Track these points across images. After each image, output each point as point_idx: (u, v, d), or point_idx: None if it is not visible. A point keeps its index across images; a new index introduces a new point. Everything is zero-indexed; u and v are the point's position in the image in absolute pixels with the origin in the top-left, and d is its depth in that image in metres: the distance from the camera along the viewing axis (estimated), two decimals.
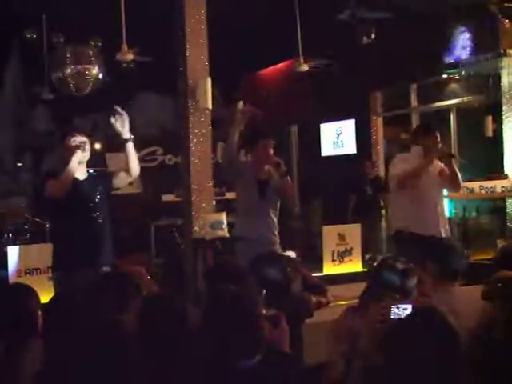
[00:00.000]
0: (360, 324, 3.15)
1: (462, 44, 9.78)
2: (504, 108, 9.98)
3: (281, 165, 5.96)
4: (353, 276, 8.35)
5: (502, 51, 9.48)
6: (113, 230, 5.46)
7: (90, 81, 9.99)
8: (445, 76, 11.19)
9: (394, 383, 2.28)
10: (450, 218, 10.55)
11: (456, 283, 4.08)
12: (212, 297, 2.91)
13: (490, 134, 10.45)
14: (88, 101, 10.86)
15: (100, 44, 10.18)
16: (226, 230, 7.33)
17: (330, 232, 8.95)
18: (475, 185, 9.60)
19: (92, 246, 5.19)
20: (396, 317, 2.78)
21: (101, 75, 10.04)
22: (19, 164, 13.42)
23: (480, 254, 8.89)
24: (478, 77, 10.58)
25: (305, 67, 9.62)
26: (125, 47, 7.99)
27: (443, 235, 6.45)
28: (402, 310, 2.79)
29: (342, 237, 8.94)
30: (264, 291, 3.58)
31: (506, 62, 9.72)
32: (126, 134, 5.49)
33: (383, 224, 11.16)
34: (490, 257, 6.50)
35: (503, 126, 10.00)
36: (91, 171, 5.52)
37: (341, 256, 8.89)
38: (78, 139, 5.25)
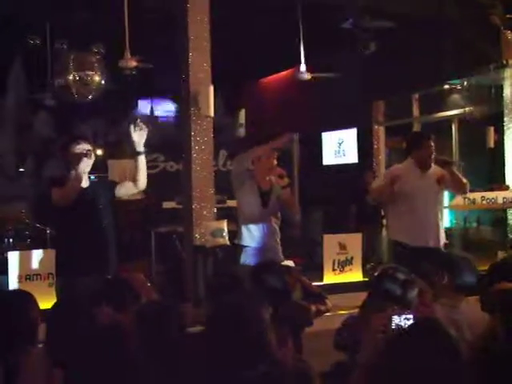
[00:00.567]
0: (360, 334, 3.15)
1: None
2: (506, 119, 9.99)
3: (284, 176, 5.96)
4: (353, 285, 8.33)
5: (504, 62, 9.49)
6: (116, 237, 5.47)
7: (92, 87, 9.98)
8: (447, 86, 11.21)
9: None
10: (450, 229, 10.58)
11: (466, 296, 4.04)
12: (214, 305, 2.90)
13: (491, 144, 10.45)
14: (90, 107, 10.88)
15: (103, 51, 10.18)
16: (226, 237, 7.33)
17: (330, 241, 8.93)
18: (477, 195, 9.59)
19: (95, 252, 5.19)
20: (397, 327, 2.77)
21: (103, 82, 10.04)
22: (20, 169, 13.43)
23: (480, 265, 8.87)
24: (480, 87, 10.59)
25: (307, 76, 9.63)
26: (128, 54, 7.99)
27: (440, 246, 6.47)
28: (404, 320, 2.78)
29: (342, 246, 8.91)
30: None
31: (508, 72, 9.74)
32: (141, 147, 5.46)
33: (384, 234, 11.15)
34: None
35: (505, 137, 10.00)
36: (92, 177, 5.53)
37: (341, 265, 8.87)
38: (83, 147, 5.24)
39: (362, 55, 10.55)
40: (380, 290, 3.49)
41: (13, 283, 7.27)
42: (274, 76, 13.96)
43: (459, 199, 9.44)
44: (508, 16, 9.20)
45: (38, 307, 3.23)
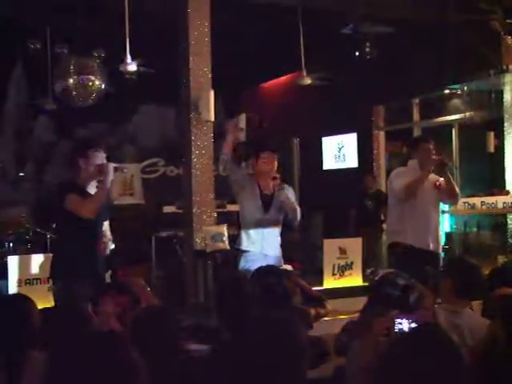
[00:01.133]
0: (361, 338, 3.14)
1: None
2: (506, 124, 10.00)
3: (277, 178, 5.94)
4: (353, 290, 8.33)
5: (504, 67, 9.50)
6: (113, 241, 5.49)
7: (92, 92, 10.00)
8: (447, 91, 11.22)
9: None
10: (451, 233, 10.58)
11: (469, 301, 4.03)
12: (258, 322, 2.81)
13: (491, 149, 10.45)
14: (90, 111, 10.88)
15: (103, 55, 10.20)
16: (226, 242, 7.33)
17: (330, 245, 8.92)
18: (477, 200, 9.60)
19: (95, 256, 5.21)
20: (400, 330, 2.76)
21: (104, 86, 10.06)
22: (21, 174, 13.43)
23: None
24: (480, 93, 10.60)
25: (307, 80, 9.65)
26: (128, 58, 8.00)
27: (439, 250, 6.48)
28: (406, 324, 2.78)
29: (342, 250, 8.91)
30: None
31: (508, 78, 9.74)
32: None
33: (384, 238, 11.15)
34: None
35: (505, 142, 10.01)
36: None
37: (341, 270, 8.86)
38: (102, 155, 5.23)
39: (362, 60, 10.57)
40: (380, 295, 3.49)
41: (13, 287, 7.28)
42: (275, 81, 13.97)
43: (459, 204, 9.44)
44: (508, 21, 9.22)
45: (38, 311, 3.23)
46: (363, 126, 12.24)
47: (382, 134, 12.38)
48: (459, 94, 11.12)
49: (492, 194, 9.82)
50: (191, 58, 7.70)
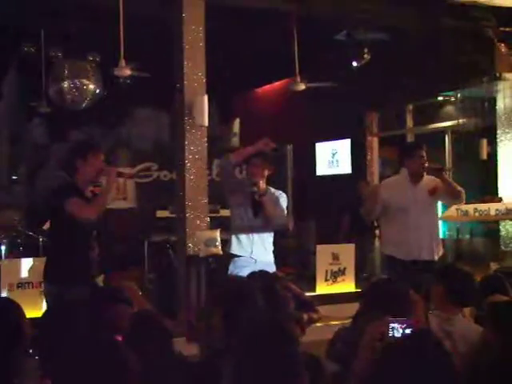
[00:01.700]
0: (353, 344, 3.14)
1: None
2: (499, 131, 10.04)
3: (257, 184, 5.89)
4: (346, 296, 8.34)
5: (497, 75, 9.54)
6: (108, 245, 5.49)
7: (87, 95, 10.00)
8: (440, 98, 11.26)
9: None
10: (443, 240, 10.59)
11: (461, 308, 4.03)
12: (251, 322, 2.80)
13: (484, 156, 10.48)
14: (84, 115, 10.87)
15: (98, 59, 10.20)
16: (219, 247, 7.32)
17: (323, 251, 8.94)
18: (469, 207, 9.62)
19: (88, 261, 5.19)
20: (394, 335, 2.76)
21: (98, 90, 10.05)
22: (14, 177, 13.39)
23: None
24: (473, 100, 10.64)
25: (301, 86, 9.65)
26: (122, 62, 8.00)
27: (435, 258, 6.45)
28: (400, 329, 2.78)
29: (335, 256, 8.93)
30: None
31: (501, 85, 9.78)
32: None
33: (377, 244, 11.15)
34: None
35: (498, 149, 10.04)
36: None
37: (334, 276, 8.88)
38: (101, 157, 5.23)
39: (356, 66, 10.59)
40: (373, 301, 3.50)
41: (4, 291, 7.26)
42: (269, 86, 13.98)
43: (452, 210, 9.47)
44: (501, 29, 9.25)
45: (25, 315, 3.19)
46: (357, 132, 12.26)
47: (375, 140, 12.41)
48: (452, 100, 11.16)
49: (485, 201, 9.85)
50: (185, 63, 7.70)
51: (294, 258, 11.08)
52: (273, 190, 6.14)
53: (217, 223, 8.80)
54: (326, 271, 8.83)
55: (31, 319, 3.28)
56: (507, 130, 9.95)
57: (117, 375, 2.24)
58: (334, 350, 3.58)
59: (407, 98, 11.44)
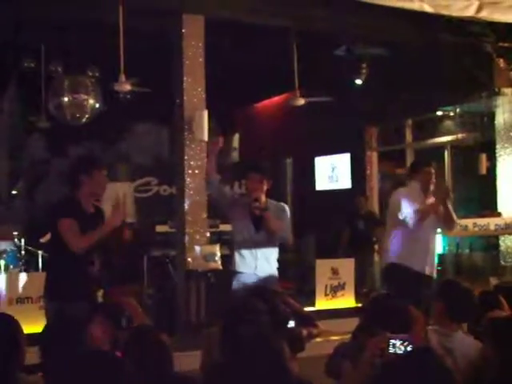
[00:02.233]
0: (353, 359, 3.14)
1: None
2: (498, 146, 10.05)
3: (258, 199, 5.85)
4: (345, 311, 8.32)
5: (496, 90, 9.56)
6: (107, 260, 5.46)
7: (86, 110, 10.02)
8: (440, 113, 11.28)
9: None
10: (443, 254, 10.59)
11: (461, 323, 4.02)
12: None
13: (483, 171, 10.49)
14: (84, 130, 10.89)
15: (98, 74, 10.23)
16: (219, 262, 7.32)
17: (323, 266, 8.93)
18: (469, 222, 9.62)
19: (88, 278, 5.16)
20: (394, 351, 2.76)
21: (98, 105, 10.08)
22: (13, 192, 13.40)
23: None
24: (472, 115, 10.66)
25: (301, 101, 9.67)
26: (122, 78, 8.02)
27: (434, 273, 6.49)
28: (399, 345, 2.77)
29: (335, 271, 8.91)
30: None
31: (500, 100, 9.81)
32: None
33: (376, 259, 11.13)
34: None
35: (497, 164, 10.05)
36: None
37: (333, 290, 8.86)
38: (105, 173, 5.23)
39: (356, 81, 10.62)
40: (373, 317, 3.49)
41: (3, 306, 7.24)
42: (268, 101, 14.02)
43: None
44: (500, 44, 9.28)
45: (23, 332, 3.18)
46: (356, 146, 12.28)
47: (374, 155, 12.43)
48: (452, 115, 11.19)
49: (484, 216, 9.85)
50: (185, 78, 7.73)
51: (294, 272, 11.05)
52: (274, 202, 6.11)
53: (216, 238, 8.81)
54: (326, 286, 8.81)
55: (30, 334, 3.28)
56: (506, 145, 9.96)
57: None
58: (332, 365, 3.58)
59: (406, 113, 11.47)
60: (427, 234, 6.41)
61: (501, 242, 10.01)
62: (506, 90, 9.66)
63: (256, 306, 3.55)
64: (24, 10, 7.93)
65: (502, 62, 9.60)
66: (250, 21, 8.25)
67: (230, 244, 6.47)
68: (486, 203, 10.43)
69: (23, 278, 7.82)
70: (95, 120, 10.32)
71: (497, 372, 2.86)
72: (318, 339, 4.47)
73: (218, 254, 7.38)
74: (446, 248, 10.66)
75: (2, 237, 10.10)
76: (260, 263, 5.89)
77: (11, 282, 7.62)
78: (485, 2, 7.65)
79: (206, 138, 7.66)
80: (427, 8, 7.68)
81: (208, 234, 7.85)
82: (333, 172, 12.92)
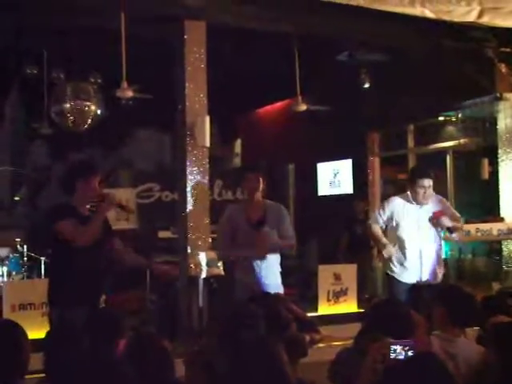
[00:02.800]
0: (355, 365, 3.13)
1: None
2: (500, 151, 10.04)
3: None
4: (348, 316, 8.31)
5: (498, 95, 9.56)
6: (110, 267, 5.46)
7: (88, 117, 10.03)
8: (442, 118, 11.28)
9: None
10: (445, 260, 10.59)
11: (463, 328, 4.02)
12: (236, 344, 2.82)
13: (486, 176, 10.49)
14: (86, 136, 10.91)
15: (100, 80, 10.25)
16: (221, 268, 7.30)
17: (325, 271, 8.92)
18: (471, 227, 9.60)
19: (92, 283, 5.15)
20: (396, 357, 2.75)
21: (100, 111, 10.09)
22: (16, 198, 13.42)
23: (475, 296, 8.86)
24: (474, 120, 10.67)
25: (303, 107, 9.67)
26: (124, 84, 8.03)
27: (438, 280, 6.44)
28: (401, 351, 2.77)
29: (337, 276, 8.91)
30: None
31: (502, 105, 9.80)
32: None
33: (375, 263, 11.11)
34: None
35: (499, 169, 10.04)
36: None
37: (336, 296, 8.85)
38: (98, 179, 5.24)
39: (358, 87, 10.63)
40: (374, 322, 3.49)
41: (6, 313, 7.24)
42: (270, 107, 14.03)
43: None
44: (502, 49, 9.29)
45: (27, 338, 3.18)
46: (358, 152, 12.28)
47: (377, 161, 12.43)
48: (453, 120, 11.19)
49: (487, 221, 9.84)
50: (187, 84, 7.73)
51: (296, 278, 11.05)
52: (272, 203, 6.11)
53: None
54: (328, 291, 8.81)
55: (33, 340, 3.28)
56: (508, 150, 9.96)
57: None
58: (335, 371, 3.57)
59: (408, 118, 11.47)
60: (421, 241, 6.36)
61: (503, 247, 9.99)
62: (508, 95, 9.65)
63: (256, 312, 3.54)
64: (26, 16, 7.94)
65: (503, 68, 9.60)
66: (252, 27, 8.26)
67: None
68: (489, 208, 10.42)
69: (26, 284, 7.82)
70: (97, 126, 10.32)
71: (498, 377, 2.85)
72: (321, 344, 4.47)
73: None
74: (449, 253, 10.64)
75: (5, 243, 10.11)
76: (265, 271, 5.88)
77: (14, 289, 7.62)
78: (486, 8, 7.65)
79: (207, 143, 7.66)
80: (429, 14, 7.69)
81: (210, 240, 7.85)
82: (335, 178, 12.92)
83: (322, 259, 10.90)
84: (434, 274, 6.40)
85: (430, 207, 6.44)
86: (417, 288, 6.31)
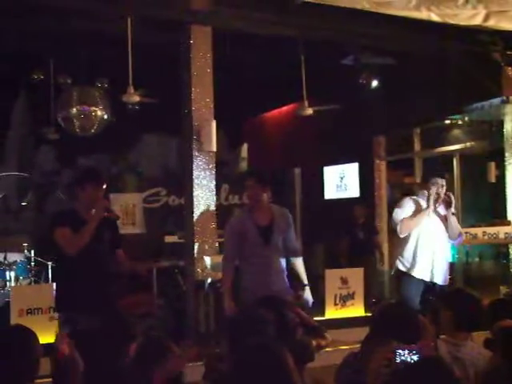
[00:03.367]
0: (362, 369, 3.13)
1: None
2: (507, 154, 10.02)
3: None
4: (355, 320, 8.30)
5: (504, 98, 9.55)
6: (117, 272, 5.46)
7: (95, 121, 10.06)
8: (448, 121, 11.27)
9: None
10: (452, 263, 10.57)
11: (470, 332, 4.01)
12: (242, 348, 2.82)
13: (493, 179, 10.47)
14: (93, 141, 10.93)
15: (106, 85, 10.28)
16: None
17: (332, 275, 8.91)
18: (478, 231, 9.58)
19: (97, 288, 5.14)
20: (401, 361, 2.75)
21: (106, 116, 10.12)
22: (23, 203, 13.44)
23: (483, 300, 8.84)
24: (481, 123, 10.65)
25: (309, 111, 9.68)
26: (131, 89, 8.06)
27: (446, 282, 6.46)
28: (407, 355, 2.76)
29: (344, 280, 8.89)
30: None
31: (508, 108, 9.78)
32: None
33: (379, 267, 11.07)
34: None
35: (506, 172, 10.01)
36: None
37: (343, 300, 8.84)
38: (103, 188, 5.22)
39: (364, 90, 10.63)
40: (382, 326, 3.48)
41: (14, 317, 7.25)
42: (276, 111, 14.04)
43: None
44: (508, 52, 9.28)
45: (39, 343, 3.19)
46: (365, 155, 12.28)
47: (383, 164, 12.42)
48: (460, 124, 11.17)
49: (494, 225, 9.82)
50: (193, 89, 7.75)
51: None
52: (278, 207, 6.08)
53: None
54: (335, 295, 8.79)
55: (41, 345, 3.29)
56: None
57: None
58: (342, 375, 3.56)
59: (414, 122, 11.46)
60: (435, 242, 6.38)
61: (511, 251, 9.97)
62: None
63: (264, 317, 3.54)
64: (33, 21, 7.98)
65: (510, 70, 9.60)
66: (257, 31, 8.28)
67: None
68: (496, 212, 10.39)
69: (33, 289, 7.83)
70: (104, 131, 10.35)
71: (506, 381, 2.84)
72: (328, 349, 4.46)
73: None
74: (456, 257, 10.62)
75: (12, 248, 10.13)
76: (269, 276, 5.84)
77: (21, 294, 7.64)
78: (492, 11, 7.64)
79: (214, 148, 7.68)
80: (434, 17, 7.69)
81: (217, 244, 7.85)
82: (341, 181, 12.91)
83: (328, 263, 10.88)
84: (445, 275, 6.43)
85: (440, 209, 6.46)
86: (427, 287, 6.32)
